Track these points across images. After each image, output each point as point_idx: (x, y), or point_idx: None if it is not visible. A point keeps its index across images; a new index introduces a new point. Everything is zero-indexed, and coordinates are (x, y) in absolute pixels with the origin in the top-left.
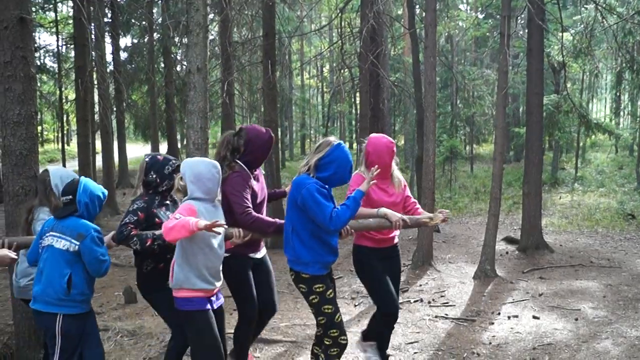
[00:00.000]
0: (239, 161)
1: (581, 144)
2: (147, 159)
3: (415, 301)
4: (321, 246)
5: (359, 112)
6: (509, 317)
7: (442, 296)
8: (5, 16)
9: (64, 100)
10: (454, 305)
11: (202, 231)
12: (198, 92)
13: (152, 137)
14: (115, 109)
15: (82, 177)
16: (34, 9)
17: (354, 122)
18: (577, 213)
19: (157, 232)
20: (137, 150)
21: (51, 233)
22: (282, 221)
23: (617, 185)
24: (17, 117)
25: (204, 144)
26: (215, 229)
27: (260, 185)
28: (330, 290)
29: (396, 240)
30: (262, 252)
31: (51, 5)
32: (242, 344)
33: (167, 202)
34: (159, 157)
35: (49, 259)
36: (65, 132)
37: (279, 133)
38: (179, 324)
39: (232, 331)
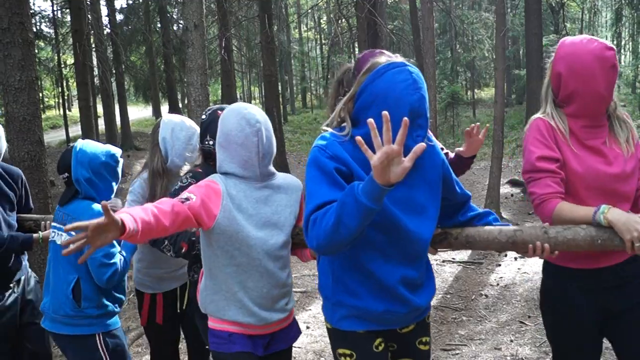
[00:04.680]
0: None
1: None
2: (203, 116)
3: None
4: (356, 276)
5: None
6: (515, 259)
7: None
8: None
9: (62, 65)
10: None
11: (232, 227)
12: (196, 49)
13: (152, 98)
14: (114, 71)
15: (78, 142)
16: None
17: None
18: None
19: None
20: (139, 113)
21: (53, 224)
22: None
23: None
24: (18, 83)
25: (205, 101)
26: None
27: None
28: None
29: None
30: None
31: None
32: None
33: None
34: (219, 112)
35: (53, 259)
36: (65, 97)
37: (279, 87)
38: None
39: None
